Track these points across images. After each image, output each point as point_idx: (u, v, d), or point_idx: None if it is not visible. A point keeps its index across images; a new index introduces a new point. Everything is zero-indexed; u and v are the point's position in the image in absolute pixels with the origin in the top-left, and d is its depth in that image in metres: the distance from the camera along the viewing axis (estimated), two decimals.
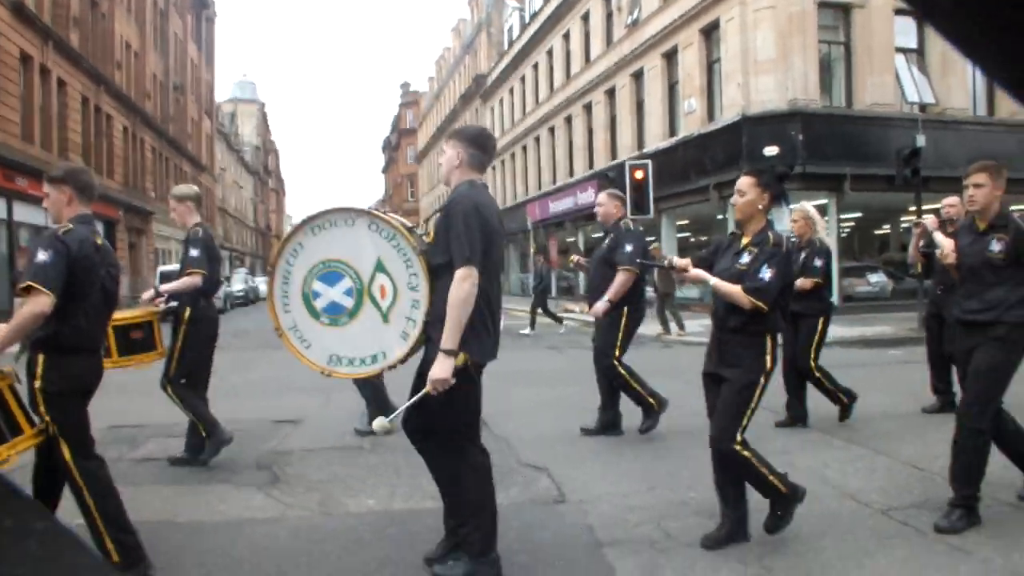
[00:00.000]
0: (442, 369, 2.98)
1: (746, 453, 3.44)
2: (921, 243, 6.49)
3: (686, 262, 3.67)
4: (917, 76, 18.61)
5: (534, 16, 32.68)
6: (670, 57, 21.30)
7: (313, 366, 3.39)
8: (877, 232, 22.75)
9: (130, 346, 4.50)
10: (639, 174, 17.03)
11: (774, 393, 4.34)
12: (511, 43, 37.75)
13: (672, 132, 21.36)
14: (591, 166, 26.78)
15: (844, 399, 6.05)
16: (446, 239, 3.12)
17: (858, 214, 20.39)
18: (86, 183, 3.43)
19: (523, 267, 35.59)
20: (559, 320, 16.92)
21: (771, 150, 17.38)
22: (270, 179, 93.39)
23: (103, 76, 28.75)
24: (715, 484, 3.64)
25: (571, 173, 28.70)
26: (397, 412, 3.26)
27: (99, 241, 3.33)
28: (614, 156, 24.84)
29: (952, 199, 6.07)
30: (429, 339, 3.17)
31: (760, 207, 3.50)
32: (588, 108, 26.93)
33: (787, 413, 6.05)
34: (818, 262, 5.82)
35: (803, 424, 5.99)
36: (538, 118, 31.90)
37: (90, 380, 3.31)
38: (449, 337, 3.00)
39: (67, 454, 3.15)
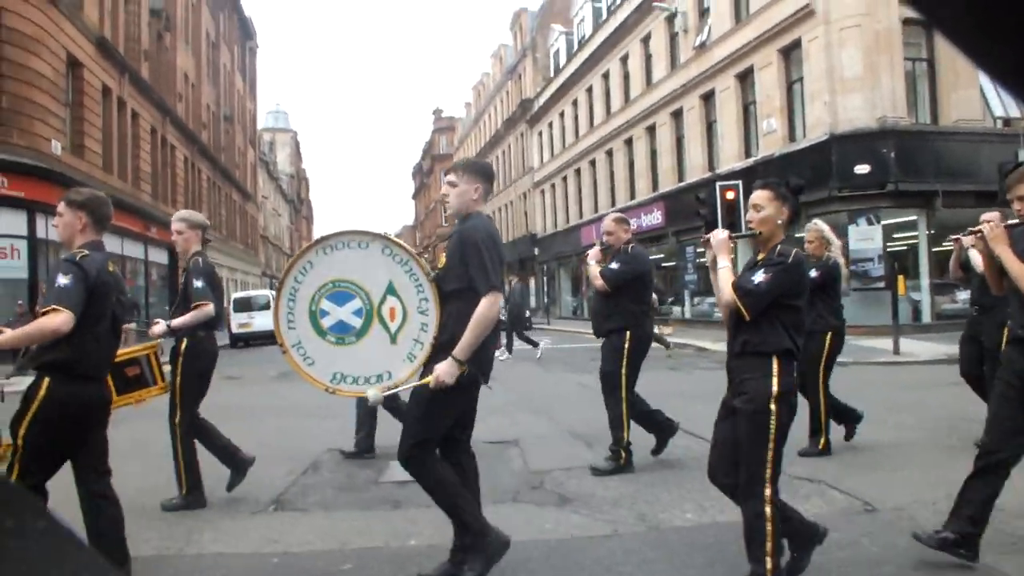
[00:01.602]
0: (449, 373, 3.16)
1: (768, 510, 3.02)
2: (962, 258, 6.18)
3: (726, 234, 3.42)
4: (1002, 91, 18.53)
5: (587, 40, 32.98)
6: (744, 78, 21.37)
7: (316, 383, 3.41)
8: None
9: (128, 383, 4.38)
10: (730, 194, 17.04)
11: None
12: (558, 67, 38.12)
13: (748, 152, 21.37)
14: (655, 188, 26.81)
15: (824, 439, 5.79)
16: (462, 267, 3.29)
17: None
18: (104, 214, 3.42)
19: (575, 290, 35.66)
20: (534, 344, 16.56)
21: (862, 168, 17.35)
22: (302, 207, 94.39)
23: (168, 107, 29.34)
24: None
25: (632, 195, 28.75)
26: (393, 391, 3.42)
27: (111, 268, 3.35)
28: (681, 178, 24.89)
29: (990, 214, 5.87)
30: (432, 360, 3.31)
31: (779, 222, 3.22)
32: (651, 130, 27.03)
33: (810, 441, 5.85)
34: (812, 273, 5.40)
35: (857, 421, 5.98)
36: (594, 141, 32.05)
37: (92, 408, 3.24)
38: (465, 349, 3.19)
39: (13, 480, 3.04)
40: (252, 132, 53.15)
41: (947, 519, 3.46)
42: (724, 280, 3.25)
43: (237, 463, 4.96)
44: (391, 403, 5.67)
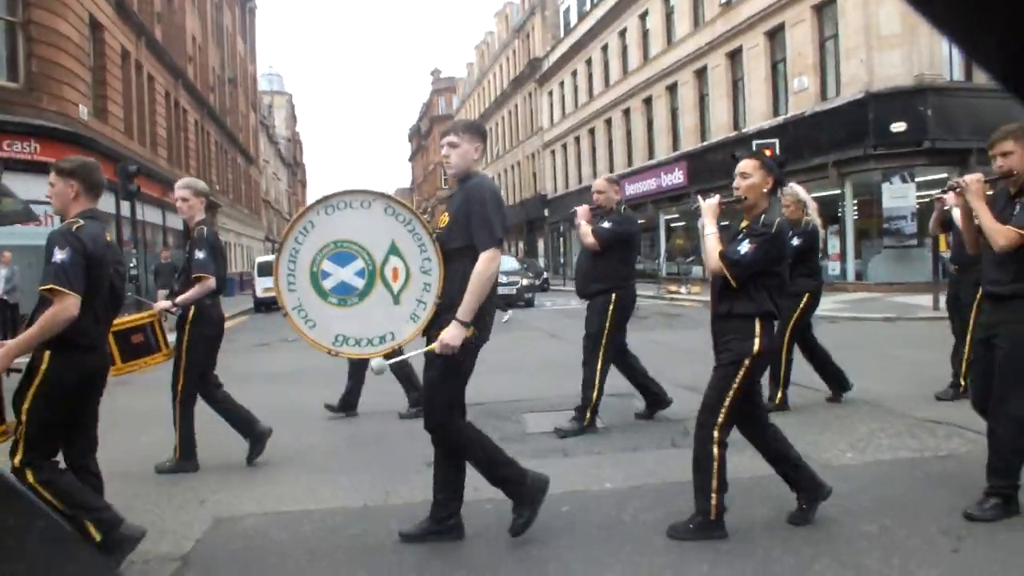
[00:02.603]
0: (454, 336, 3.15)
1: (715, 448, 3.30)
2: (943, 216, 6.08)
3: (715, 200, 3.60)
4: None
5: None
6: (773, 35, 21.23)
7: (318, 346, 3.37)
8: None
9: (133, 351, 4.40)
10: (767, 152, 17.12)
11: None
12: (568, 25, 37.66)
13: (776, 111, 21.32)
14: (676, 147, 26.76)
15: (781, 394, 5.94)
16: (466, 224, 3.27)
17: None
18: (96, 180, 3.34)
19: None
20: (504, 308, 16.69)
21: (898, 126, 17.39)
22: (299, 171, 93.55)
23: (180, 70, 28.90)
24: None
25: (651, 155, 28.69)
26: (397, 360, 3.42)
27: (108, 238, 3.28)
28: (704, 137, 24.84)
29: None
30: (436, 319, 3.30)
31: (764, 191, 3.43)
32: (672, 88, 26.87)
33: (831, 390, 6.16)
34: (795, 241, 5.56)
35: (845, 390, 6.11)
36: (609, 100, 31.83)
37: (93, 377, 3.25)
38: (468, 309, 3.17)
39: (17, 458, 3.06)
40: (253, 95, 52.42)
41: None
42: (711, 247, 3.45)
43: (256, 434, 4.95)
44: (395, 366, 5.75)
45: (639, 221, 5.79)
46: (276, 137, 68.76)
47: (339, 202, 3.33)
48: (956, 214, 4.36)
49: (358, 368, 6.20)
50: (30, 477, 3.05)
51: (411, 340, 3.35)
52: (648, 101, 28.78)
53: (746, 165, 3.47)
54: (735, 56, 23.11)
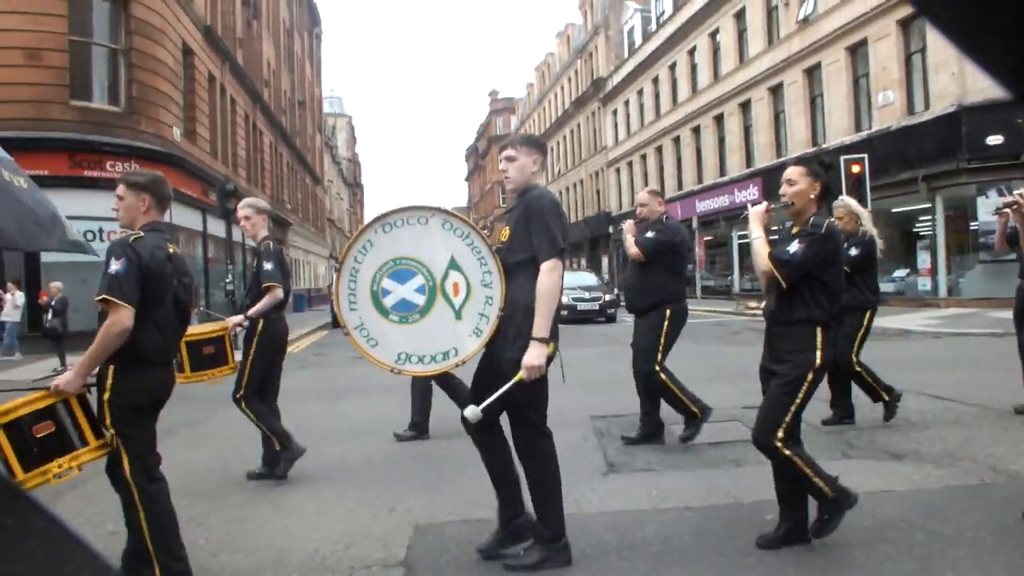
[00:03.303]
0: (537, 356, 3.08)
1: (787, 451, 3.27)
2: (1008, 229, 5.89)
3: (763, 207, 3.59)
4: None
5: (669, 17, 32.52)
6: (855, 50, 20.90)
7: (381, 365, 3.33)
8: None
9: (203, 361, 4.42)
10: (856, 168, 16.80)
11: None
12: (632, 45, 37.72)
13: (859, 126, 20.94)
14: (749, 164, 26.48)
15: (886, 396, 5.74)
16: (527, 235, 3.21)
17: None
18: (165, 194, 3.34)
19: None
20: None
21: (995, 139, 16.90)
22: (359, 191, 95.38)
23: (258, 94, 29.84)
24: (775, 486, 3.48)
25: (722, 172, 28.44)
26: (488, 401, 3.16)
27: (171, 250, 3.23)
28: (779, 153, 24.52)
29: None
30: (500, 333, 3.24)
31: (812, 196, 3.42)
32: (745, 106, 26.65)
33: (832, 411, 5.87)
34: (853, 251, 5.51)
35: (850, 421, 5.77)
36: (678, 119, 31.71)
37: (160, 394, 3.20)
38: (543, 325, 3.10)
39: (128, 470, 3.04)
40: (319, 117, 53.78)
41: None
42: (759, 251, 3.44)
43: (288, 453, 4.92)
44: (444, 379, 5.63)
45: (683, 231, 5.72)
46: (338, 158, 70.31)
47: (396, 219, 3.31)
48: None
49: (420, 388, 6.05)
50: (136, 495, 3.04)
51: (475, 355, 3.31)
52: (719, 118, 28.58)
53: (792, 172, 3.50)
54: (813, 72, 22.82)
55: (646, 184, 35.61)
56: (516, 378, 3.11)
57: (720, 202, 27.71)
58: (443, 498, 4.36)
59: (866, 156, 16.65)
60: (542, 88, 55.20)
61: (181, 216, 19.58)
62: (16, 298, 14.66)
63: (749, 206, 3.64)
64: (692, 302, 25.57)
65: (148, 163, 17.70)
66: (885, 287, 20.60)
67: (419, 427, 6.06)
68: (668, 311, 5.32)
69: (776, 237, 3.63)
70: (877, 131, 19.79)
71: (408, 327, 3.31)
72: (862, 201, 16.61)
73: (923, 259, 18.86)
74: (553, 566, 3.20)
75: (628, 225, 5.60)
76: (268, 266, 4.93)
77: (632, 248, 5.44)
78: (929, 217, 18.72)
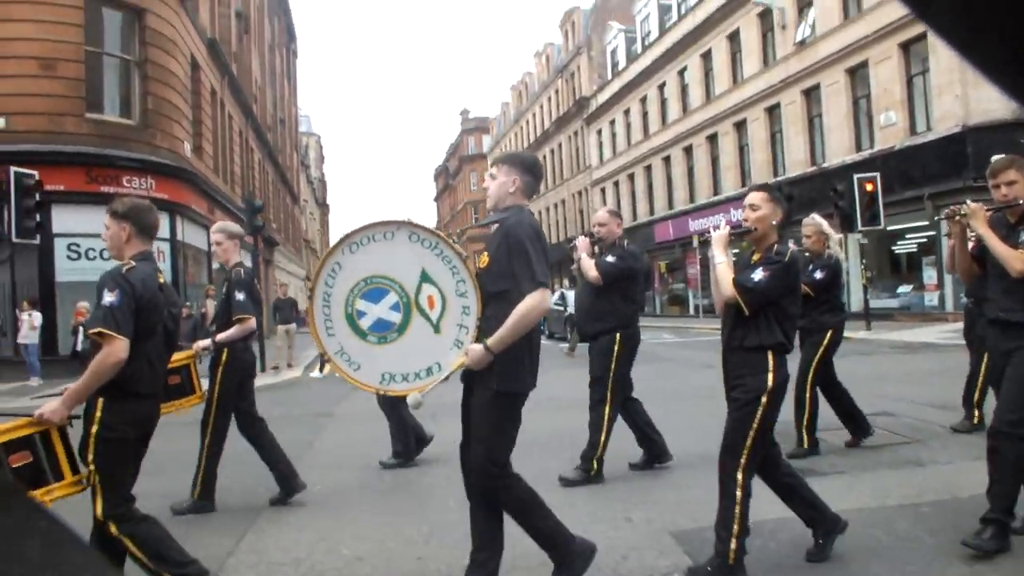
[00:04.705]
0: (478, 360, 3.04)
1: (739, 494, 3.26)
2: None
3: (725, 231, 3.61)
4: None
5: (657, 37, 33.16)
6: (854, 72, 21.59)
7: (366, 387, 3.32)
8: None
9: (168, 392, 4.30)
10: (869, 186, 17.33)
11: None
12: (615, 65, 38.33)
13: (859, 146, 21.59)
14: (744, 183, 27.02)
15: (806, 440, 5.56)
16: (508, 265, 3.11)
17: None
18: (148, 223, 3.30)
19: (647, 288, 35.88)
20: (323, 365, 13.53)
21: (1005, 156, 17.54)
22: (326, 211, 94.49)
23: (250, 110, 29.49)
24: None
25: (716, 191, 28.97)
26: (430, 388, 3.16)
27: (161, 280, 3.23)
28: (777, 172, 25.10)
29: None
30: (493, 368, 3.11)
31: (774, 223, 3.45)
32: (740, 125, 27.25)
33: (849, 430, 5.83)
34: (817, 274, 5.46)
35: (867, 434, 5.73)
36: (668, 139, 32.24)
37: (149, 426, 3.18)
38: (500, 341, 3.02)
39: (99, 509, 2.98)
40: (295, 136, 53.29)
41: None
42: (723, 275, 3.44)
43: (289, 487, 4.97)
44: (393, 408, 5.74)
45: (643, 258, 5.52)
46: (311, 177, 69.67)
47: (362, 238, 3.23)
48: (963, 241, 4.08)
49: (396, 412, 5.92)
50: (113, 530, 3.00)
51: (459, 368, 3.19)
52: (713, 138, 29.15)
53: (755, 197, 3.51)
54: (811, 93, 23.47)
55: (633, 203, 36.11)
56: (458, 364, 3.10)
57: (715, 220, 28.08)
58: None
59: (878, 175, 17.20)
60: (519, 107, 55.60)
61: (190, 235, 19.21)
62: (34, 318, 14.13)
63: (712, 229, 3.63)
64: (697, 320, 25.69)
65: (164, 179, 17.39)
66: (889, 303, 21.22)
67: (401, 453, 5.94)
68: (619, 335, 5.15)
69: (735, 260, 3.62)
70: (880, 151, 20.42)
71: (388, 347, 3.24)
72: (875, 219, 17.25)
73: (929, 275, 19.45)
74: (585, 566, 3.21)
75: (583, 243, 5.36)
76: (240, 296, 4.87)
77: (592, 272, 5.21)
78: (934, 233, 19.34)
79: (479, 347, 3.05)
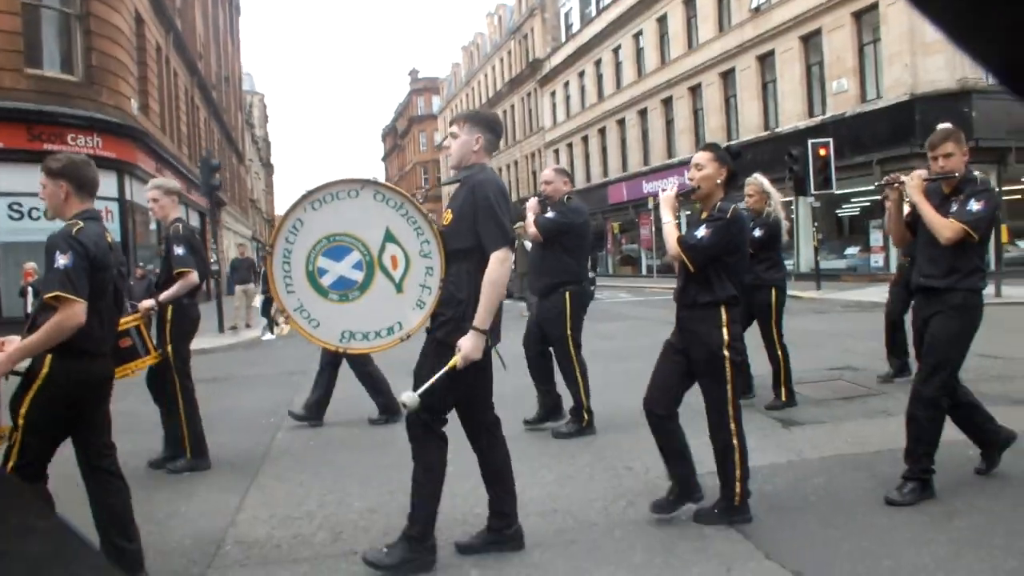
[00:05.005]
0: (475, 347, 3.03)
1: (735, 442, 3.45)
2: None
3: (673, 192, 3.70)
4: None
5: (611, 2, 33.03)
6: (808, 39, 21.95)
7: (326, 344, 3.33)
8: None
9: (122, 356, 4.24)
10: (823, 151, 17.77)
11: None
12: (569, 27, 38.16)
13: (812, 112, 22.05)
14: (697, 146, 27.36)
15: (785, 389, 5.77)
16: (472, 223, 3.12)
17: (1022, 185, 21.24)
18: (87, 179, 3.16)
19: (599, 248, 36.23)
20: (271, 326, 14.16)
21: (945, 126, 18.15)
22: (270, 171, 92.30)
23: (196, 67, 28.48)
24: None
25: (671, 154, 29.28)
26: (425, 386, 3.08)
27: (109, 239, 3.15)
28: (731, 136, 25.49)
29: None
30: (438, 318, 3.17)
31: (719, 181, 3.53)
32: (695, 90, 27.50)
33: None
34: (756, 232, 5.58)
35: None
36: (623, 101, 32.35)
37: (103, 387, 3.15)
38: (484, 317, 3.04)
39: (12, 464, 2.92)
40: (239, 95, 51.68)
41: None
42: (669, 235, 3.58)
43: (199, 451, 4.91)
44: (362, 368, 5.86)
45: (585, 213, 5.58)
46: (256, 137, 67.84)
47: (325, 195, 3.18)
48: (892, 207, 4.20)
49: (327, 376, 6.03)
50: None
51: (420, 327, 3.22)
52: (668, 101, 29.36)
53: (700, 157, 3.60)
54: (766, 59, 23.80)
55: (587, 164, 36.26)
56: (451, 364, 3.05)
57: (669, 183, 28.51)
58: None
59: (831, 140, 17.64)
60: (470, 68, 54.92)
61: (138, 194, 18.57)
62: None
63: (660, 191, 3.73)
64: (651, 280, 25.89)
65: (111, 137, 16.76)
66: (837, 264, 21.92)
67: (388, 408, 5.94)
68: (568, 293, 5.26)
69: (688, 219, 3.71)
70: (832, 117, 20.90)
71: (349, 305, 3.22)
72: (827, 183, 17.74)
73: (875, 238, 20.12)
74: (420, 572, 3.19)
75: (531, 204, 5.49)
76: (179, 251, 4.76)
77: (531, 227, 5.33)
78: (880, 197, 19.94)
79: (469, 335, 3.03)
